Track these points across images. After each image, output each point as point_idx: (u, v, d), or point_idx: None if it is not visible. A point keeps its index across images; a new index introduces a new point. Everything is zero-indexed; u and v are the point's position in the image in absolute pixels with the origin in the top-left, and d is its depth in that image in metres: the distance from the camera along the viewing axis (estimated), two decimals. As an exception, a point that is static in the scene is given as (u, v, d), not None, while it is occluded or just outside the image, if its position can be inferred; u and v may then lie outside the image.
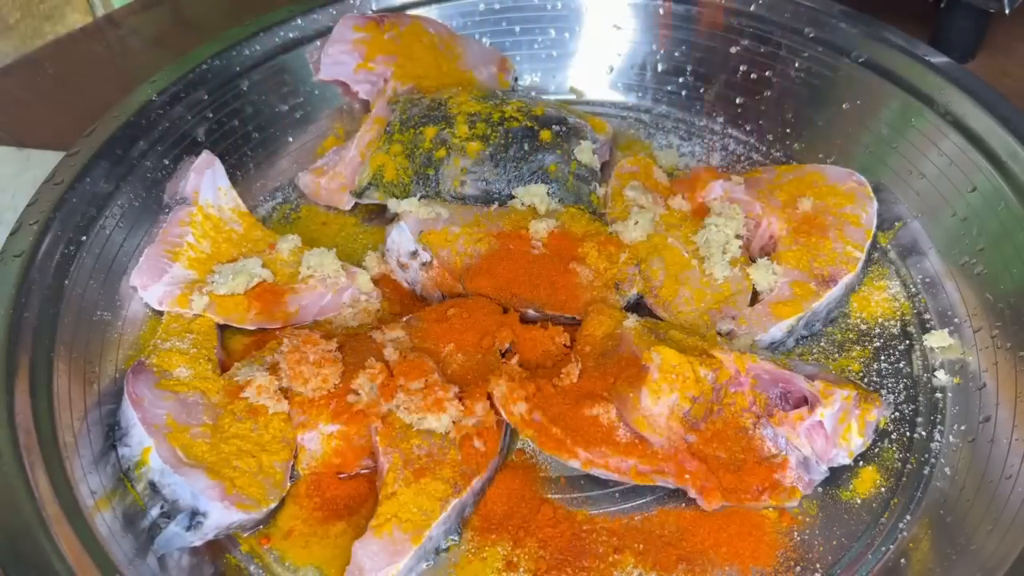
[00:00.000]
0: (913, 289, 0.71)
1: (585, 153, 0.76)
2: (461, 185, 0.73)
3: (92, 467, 0.56)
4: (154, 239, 0.68)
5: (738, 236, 0.69)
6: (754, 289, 0.68)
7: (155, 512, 0.55)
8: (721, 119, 0.85)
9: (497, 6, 0.88)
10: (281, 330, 0.66)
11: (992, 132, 0.70)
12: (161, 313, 0.66)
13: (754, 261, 0.68)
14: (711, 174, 0.75)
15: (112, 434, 0.59)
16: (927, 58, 0.76)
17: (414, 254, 0.70)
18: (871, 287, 0.71)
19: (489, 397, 0.60)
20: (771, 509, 0.58)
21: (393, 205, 0.73)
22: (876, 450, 0.62)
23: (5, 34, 0.98)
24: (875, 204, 0.71)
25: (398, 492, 0.55)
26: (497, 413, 0.60)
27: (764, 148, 0.83)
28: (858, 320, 0.69)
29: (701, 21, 0.86)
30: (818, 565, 0.56)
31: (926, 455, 0.61)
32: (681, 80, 0.87)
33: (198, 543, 0.55)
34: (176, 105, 0.77)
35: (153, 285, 0.66)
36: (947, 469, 0.60)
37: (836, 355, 0.67)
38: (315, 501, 0.59)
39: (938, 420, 0.63)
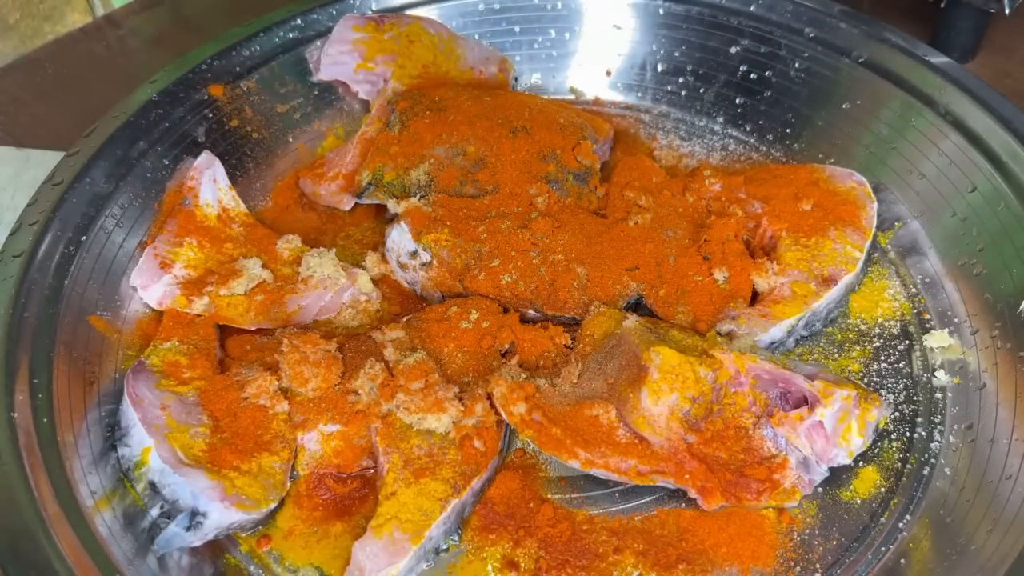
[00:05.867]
0: (913, 289, 0.71)
1: (585, 153, 0.76)
2: (461, 185, 0.73)
3: (92, 467, 0.56)
4: (154, 239, 0.68)
5: (738, 236, 0.69)
6: (754, 289, 0.68)
7: (155, 512, 0.55)
8: (721, 119, 0.85)
9: (497, 6, 0.88)
10: (281, 330, 0.66)
11: (992, 132, 0.70)
12: (161, 313, 0.66)
13: (754, 261, 0.68)
14: (711, 174, 0.75)
15: (112, 434, 0.59)
16: (927, 58, 0.76)
17: (414, 254, 0.70)
18: (871, 287, 0.71)
19: (489, 397, 0.60)
20: (771, 509, 0.58)
21: (393, 205, 0.73)
22: (876, 450, 0.62)
23: (5, 34, 0.98)
24: (875, 204, 0.71)
25: (398, 492, 0.55)
26: (497, 413, 0.60)
27: (764, 148, 0.83)
28: (858, 320, 0.69)
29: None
30: (818, 565, 0.56)
31: (926, 455, 0.61)
32: (681, 80, 0.87)
33: (198, 543, 0.55)
34: (176, 105, 0.77)
35: (153, 285, 0.66)
36: (947, 469, 0.60)
37: (836, 355, 0.67)
38: (315, 501, 0.59)
39: (938, 420, 0.63)
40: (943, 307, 0.69)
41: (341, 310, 0.69)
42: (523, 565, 0.56)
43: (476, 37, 0.88)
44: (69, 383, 0.59)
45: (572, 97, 0.90)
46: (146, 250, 0.67)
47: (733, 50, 0.85)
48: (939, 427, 0.63)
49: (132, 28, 1.04)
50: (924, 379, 0.65)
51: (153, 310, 0.67)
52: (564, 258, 0.68)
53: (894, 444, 0.62)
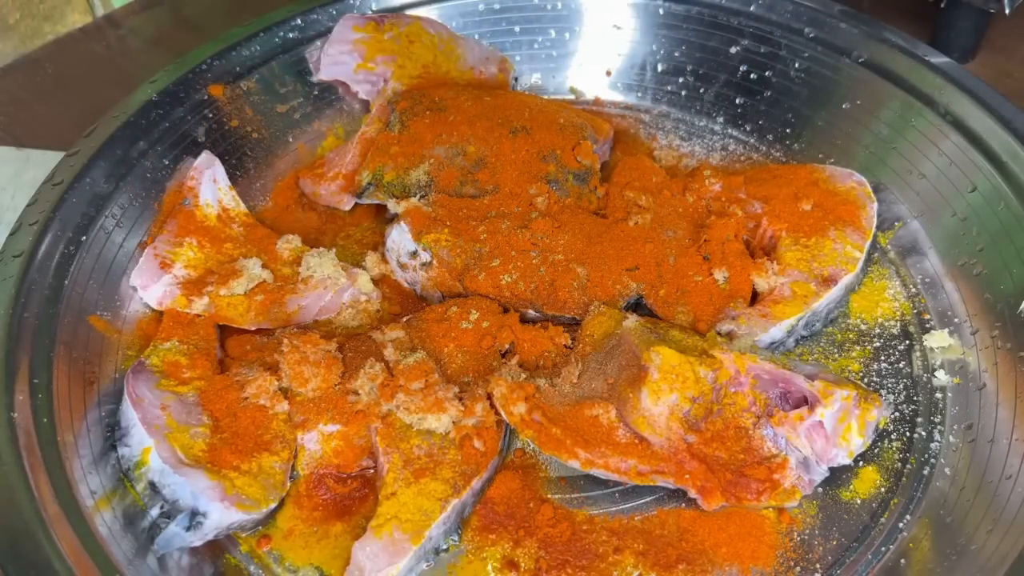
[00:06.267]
0: (913, 289, 0.71)
1: (585, 153, 0.76)
2: (461, 185, 0.73)
3: (92, 467, 0.56)
4: (154, 239, 0.68)
5: (738, 236, 0.69)
6: (754, 289, 0.68)
7: (155, 512, 0.55)
8: (721, 119, 0.85)
9: (497, 6, 0.88)
10: (281, 330, 0.66)
11: (992, 132, 0.70)
12: (161, 313, 0.66)
13: (754, 261, 0.68)
14: (711, 174, 0.75)
15: (112, 434, 0.59)
16: (927, 58, 0.76)
17: (414, 254, 0.70)
18: (871, 287, 0.71)
19: (489, 397, 0.60)
20: (771, 509, 0.58)
21: (393, 205, 0.73)
22: (876, 450, 0.62)
23: (5, 34, 0.99)
24: (875, 204, 0.71)
25: (398, 492, 0.55)
26: (497, 413, 0.60)
27: (764, 148, 0.83)
28: (858, 320, 0.69)
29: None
30: (818, 565, 0.56)
31: (926, 455, 0.61)
32: (681, 80, 0.87)
33: (198, 543, 0.55)
34: (176, 105, 0.77)
35: (153, 285, 0.66)
36: (947, 469, 0.60)
37: (836, 355, 0.67)
38: (315, 501, 0.59)
39: (938, 420, 0.63)
40: (943, 307, 0.69)
41: (341, 310, 0.69)
42: (523, 565, 0.56)
43: (476, 37, 0.88)
44: (69, 383, 0.59)
45: (572, 97, 0.90)
46: (146, 250, 0.67)
47: (733, 50, 0.85)
48: (939, 427, 0.63)
49: (132, 28, 1.04)
50: (924, 379, 0.65)
51: (153, 310, 0.67)
52: (564, 258, 0.68)
53: (894, 444, 0.62)
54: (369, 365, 0.61)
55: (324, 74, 0.84)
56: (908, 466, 0.61)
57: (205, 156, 0.73)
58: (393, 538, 0.54)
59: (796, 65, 0.82)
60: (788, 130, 0.82)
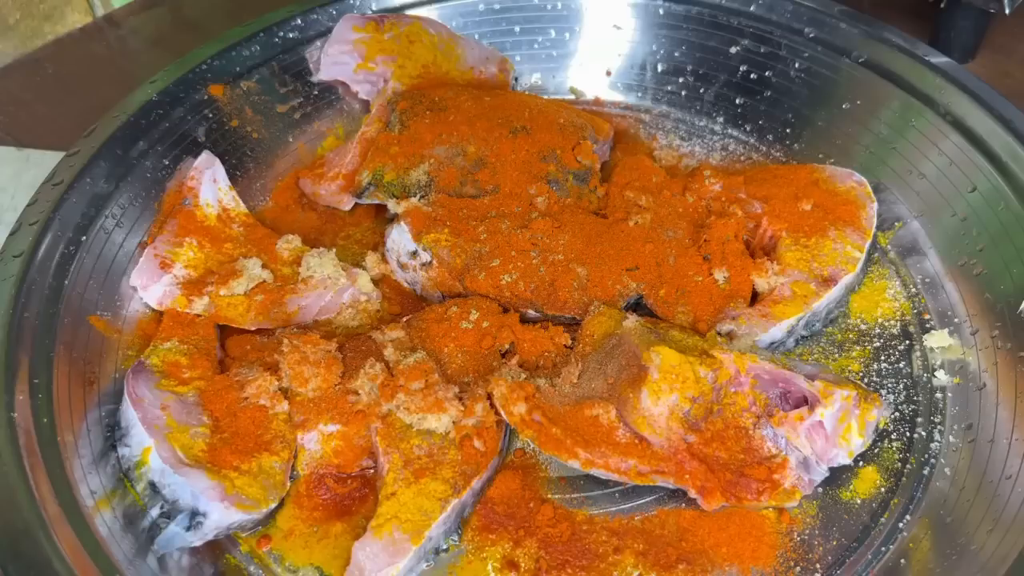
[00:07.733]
0: (913, 289, 0.71)
1: (585, 153, 0.76)
2: (461, 185, 0.73)
3: (92, 467, 0.56)
4: (154, 239, 0.68)
5: (738, 236, 0.69)
6: (754, 289, 0.68)
7: (155, 512, 0.55)
8: (721, 119, 0.85)
9: (497, 6, 0.88)
10: (281, 330, 0.66)
11: (992, 132, 0.70)
12: (161, 313, 0.66)
13: (754, 261, 0.68)
14: (711, 174, 0.75)
15: (112, 434, 0.59)
16: (927, 58, 0.76)
17: (414, 254, 0.70)
18: (871, 287, 0.71)
19: (489, 397, 0.60)
20: (771, 509, 0.58)
21: (393, 205, 0.73)
22: (876, 450, 0.62)
23: (5, 34, 0.99)
24: (875, 204, 0.71)
25: (398, 492, 0.55)
26: (497, 413, 0.60)
27: (764, 148, 0.83)
28: (858, 320, 0.69)
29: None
30: (818, 565, 0.56)
31: (926, 455, 0.61)
32: (681, 80, 0.87)
33: (198, 543, 0.55)
34: (176, 105, 0.77)
35: (153, 285, 0.66)
36: (947, 469, 0.60)
37: (836, 355, 0.67)
38: (315, 501, 0.59)
39: (938, 420, 0.63)
40: (943, 307, 0.69)
41: (341, 310, 0.69)
42: (523, 565, 0.56)
43: (476, 37, 0.88)
44: (69, 383, 0.59)
45: (572, 97, 0.90)
46: (146, 250, 0.67)
47: (733, 50, 0.85)
48: (939, 427, 0.63)
49: (132, 28, 1.04)
50: (924, 379, 0.65)
51: (153, 310, 0.67)
52: (564, 258, 0.68)
53: (894, 444, 0.62)
54: (369, 365, 0.61)
55: (324, 74, 0.84)
56: (908, 466, 0.61)
57: (205, 156, 0.73)
58: (393, 538, 0.54)
59: (796, 65, 0.82)
60: (788, 130, 0.82)
